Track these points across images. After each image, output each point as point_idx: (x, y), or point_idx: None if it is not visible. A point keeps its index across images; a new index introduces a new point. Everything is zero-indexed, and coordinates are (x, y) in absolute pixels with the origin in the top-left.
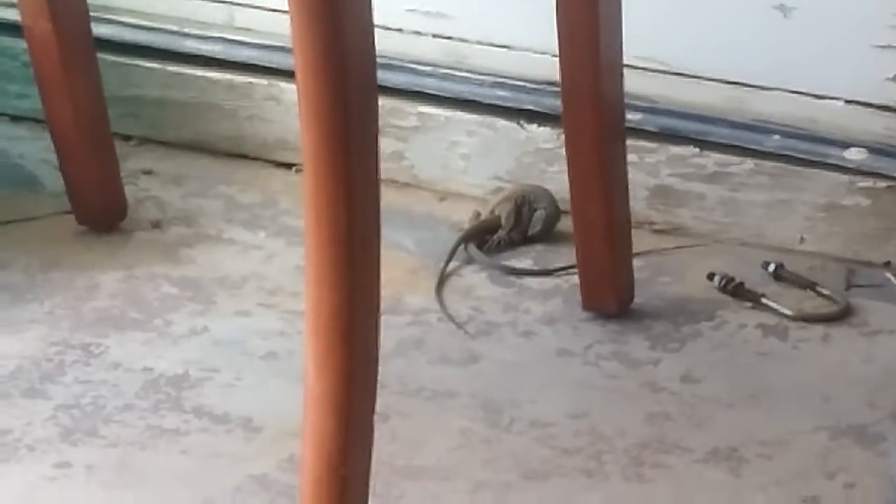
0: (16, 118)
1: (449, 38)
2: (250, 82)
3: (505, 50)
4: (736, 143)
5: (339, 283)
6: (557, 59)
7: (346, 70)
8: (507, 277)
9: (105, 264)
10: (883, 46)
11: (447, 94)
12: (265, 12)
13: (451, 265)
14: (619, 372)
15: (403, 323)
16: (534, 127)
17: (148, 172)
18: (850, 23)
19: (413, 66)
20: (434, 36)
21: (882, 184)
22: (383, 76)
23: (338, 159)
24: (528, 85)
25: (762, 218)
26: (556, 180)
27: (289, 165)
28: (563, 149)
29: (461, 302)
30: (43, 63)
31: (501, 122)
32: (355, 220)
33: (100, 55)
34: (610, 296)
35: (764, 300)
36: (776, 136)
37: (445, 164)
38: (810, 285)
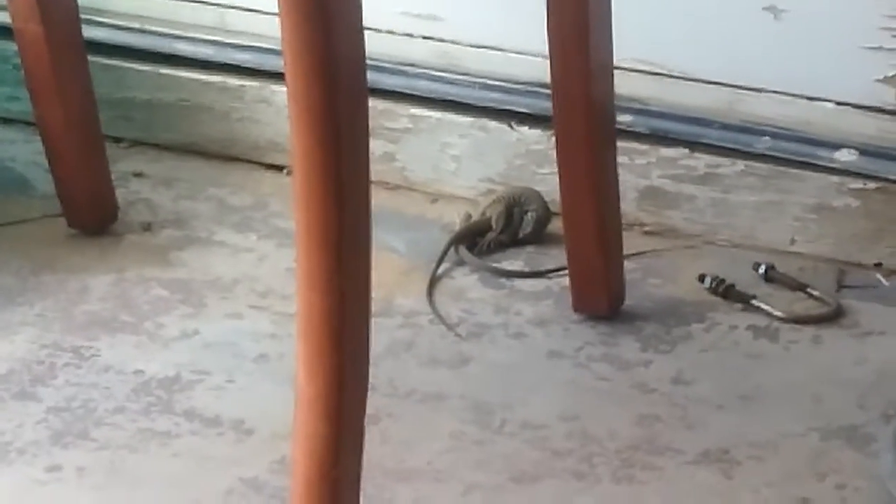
0: (6, 121)
1: (440, 40)
2: (242, 85)
3: (496, 52)
4: (726, 145)
5: (330, 286)
6: (548, 62)
7: (335, 72)
8: (498, 279)
9: (96, 267)
10: (873, 48)
11: (438, 96)
12: (256, 15)
13: (443, 267)
14: (610, 374)
15: (394, 325)
16: (524, 129)
17: (139, 175)
18: (840, 24)
19: (404, 68)
20: (425, 38)
21: (872, 185)
22: (374, 78)
23: (328, 161)
24: (519, 87)
25: (753, 219)
26: (547, 182)
27: (280, 167)
28: (554, 151)
29: (452, 304)
30: (33, 66)
31: (492, 124)
32: (346, 223)
33: (91, 58)
34: (601, 297)
35: (754, 302)
36: (767, 138)
37: (436, 166)
38: (801, 287)
